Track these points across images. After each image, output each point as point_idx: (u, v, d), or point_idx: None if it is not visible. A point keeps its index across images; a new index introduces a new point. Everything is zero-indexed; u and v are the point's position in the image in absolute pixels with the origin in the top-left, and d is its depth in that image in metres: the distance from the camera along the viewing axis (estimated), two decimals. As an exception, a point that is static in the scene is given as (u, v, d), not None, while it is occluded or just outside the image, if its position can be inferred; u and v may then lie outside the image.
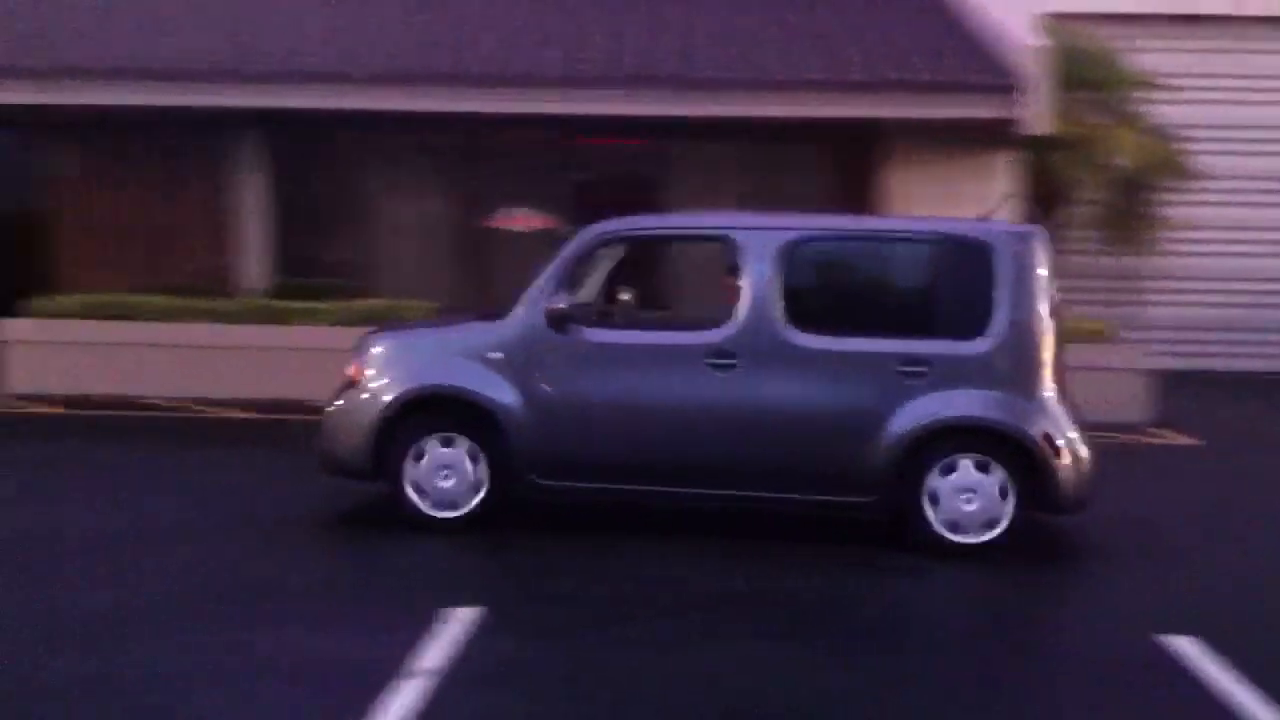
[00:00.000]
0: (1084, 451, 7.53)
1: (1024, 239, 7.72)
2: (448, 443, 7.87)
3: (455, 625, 6.08)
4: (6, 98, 13.90)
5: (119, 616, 6.18)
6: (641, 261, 9.35)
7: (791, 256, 7.72)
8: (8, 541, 7.70)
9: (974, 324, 7.56)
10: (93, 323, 13.53)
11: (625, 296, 8.84)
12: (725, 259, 7.92)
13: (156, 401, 13.14)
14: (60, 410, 12.80)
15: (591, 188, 15.51)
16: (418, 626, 6.02)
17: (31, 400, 13.12)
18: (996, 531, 7.53)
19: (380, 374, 7.96)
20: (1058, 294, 7.73)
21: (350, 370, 8.10)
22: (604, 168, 15.94)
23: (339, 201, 15.86)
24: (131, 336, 13.45)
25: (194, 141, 15.00)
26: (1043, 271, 7.61)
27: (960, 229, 7.86)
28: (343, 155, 15.85)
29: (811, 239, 7.84)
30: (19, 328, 13.47)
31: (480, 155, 15.75)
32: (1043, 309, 7.57)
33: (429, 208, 15.97)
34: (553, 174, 15.67)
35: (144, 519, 8.24)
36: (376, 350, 8.07)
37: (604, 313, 8.52)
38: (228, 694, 5.23)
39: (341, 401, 8.04)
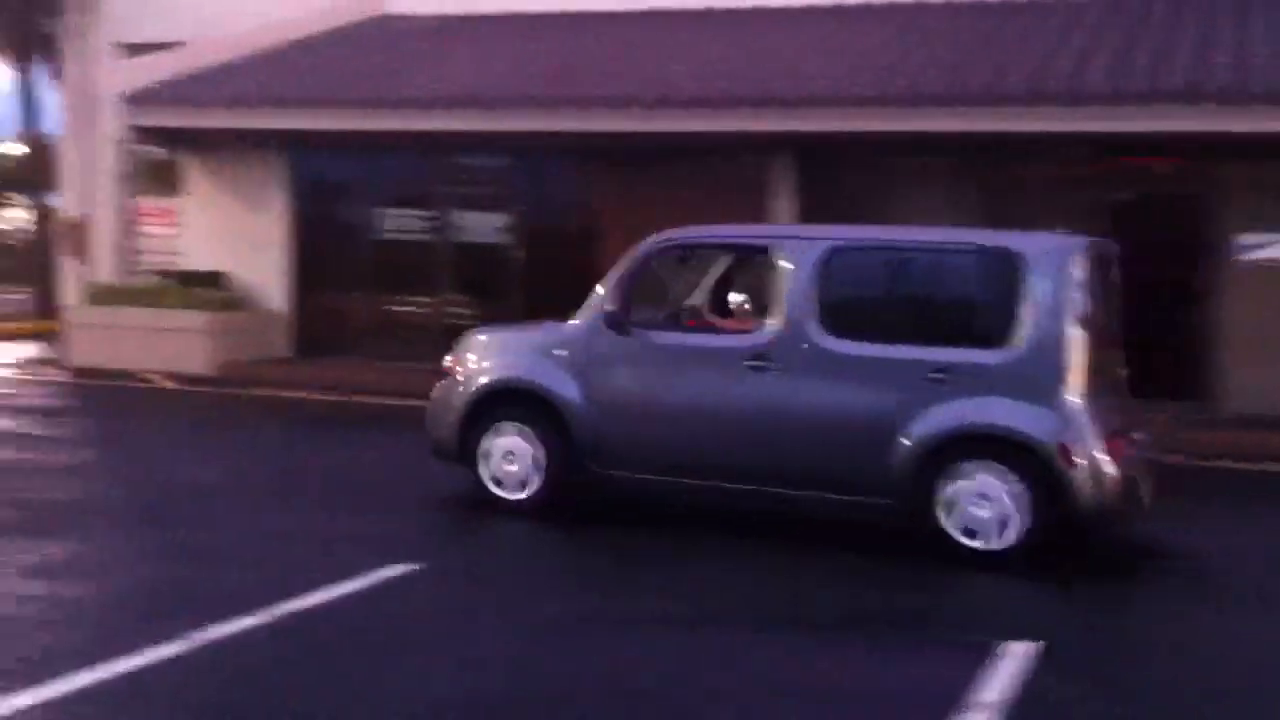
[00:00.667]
0: (1108, 466, 7.43)
1: (1058, 252, 7.81)
2: (519, 430, 8.63)
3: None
4: (560, 125, 15.15)
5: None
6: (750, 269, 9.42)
7: (823, 270, 8.08)
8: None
9: (1000, 333, 7.71)
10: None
11: (738, 299, 9.08)
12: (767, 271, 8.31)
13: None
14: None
15: (1130, 208, 14.82)
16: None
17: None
18: (1010, 541, 7.52)
19: (469, 367, 8.94)
20: (1101, 304, 7.87)
21: (448, 363, 9.09)
22: (1141, 187, 15.21)
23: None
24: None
25: (727, 166, 15.69)
26: (1076, 283, 7.63)
27: (992, 240, 8.16)
28: (869, 178, 16.04)
29: (843, 248, 8.20)
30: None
31: (1006, 176, 15.43)
32: (1070, 319, 7.57)
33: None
34: (1085, 194, 15.06)
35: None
36: (469, 347, 9.09)
37: (672, 315, 9.26)
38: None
39: (438, 392, 9.05)
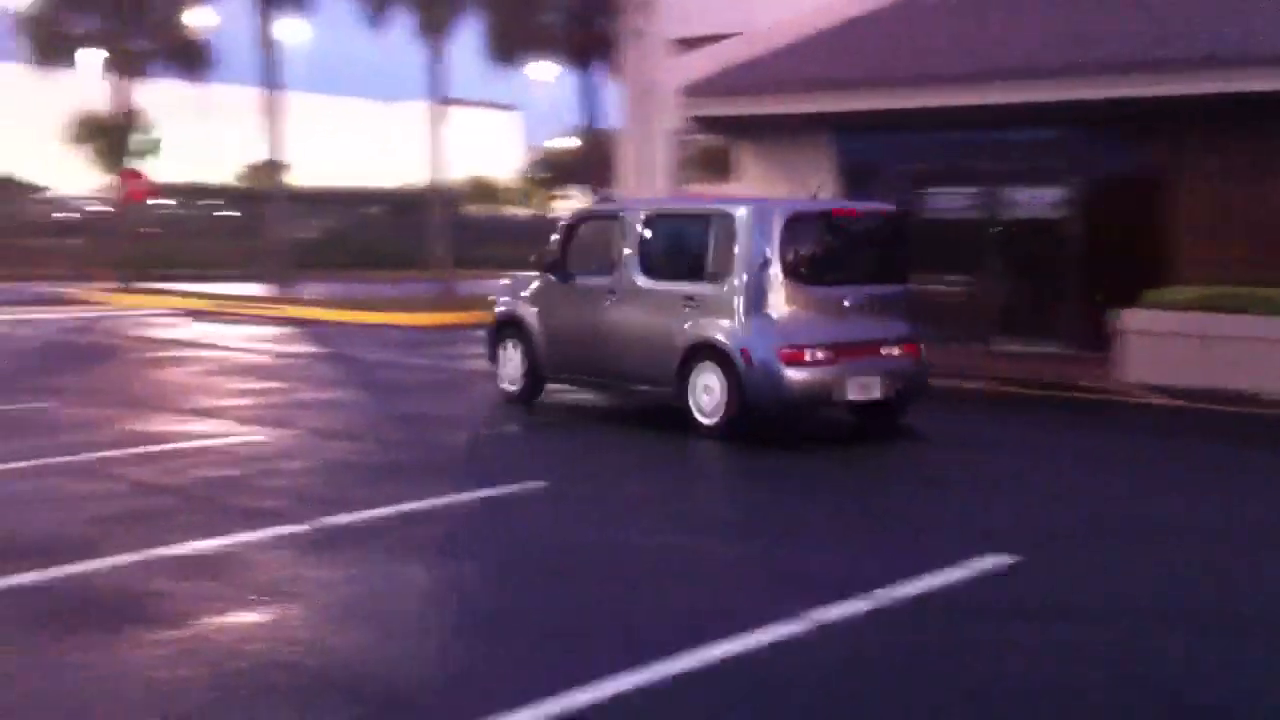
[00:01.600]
0: (783, 367, 10.36)
1: (761, 214, 10.75)
2: (514, 345, 12.62)
3: None
4: (1149, 91, 14.26)
5: None
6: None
7: (640, 231, 11.53)
8: (1154, 531, 7.92)
9: (723, 271, 10.78)
10: (1203, 315, 13.43)
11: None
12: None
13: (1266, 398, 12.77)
14: (1173, 402, 12.94)
15: None
16: None
17: (1148, 390, 13.40)
18: (718, 419, 10.62)
19: (498, 304, 13.12)
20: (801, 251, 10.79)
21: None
22: None
23: None
24: (1242, 330, 13.14)
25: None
26: (776, 238, 10.55)
27: (722, 205, 11.34)
28: None
29: (651, 215, 11.70)
30: (1138, 318, 13.83)
31: None
32: (764, 262, 10.52)
33: None
34: None
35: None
36: (499, 292, 13.41)
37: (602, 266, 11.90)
38: None
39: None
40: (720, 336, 10.58)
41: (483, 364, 13.62)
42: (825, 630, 5.71)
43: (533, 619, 5.89)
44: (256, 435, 10.81)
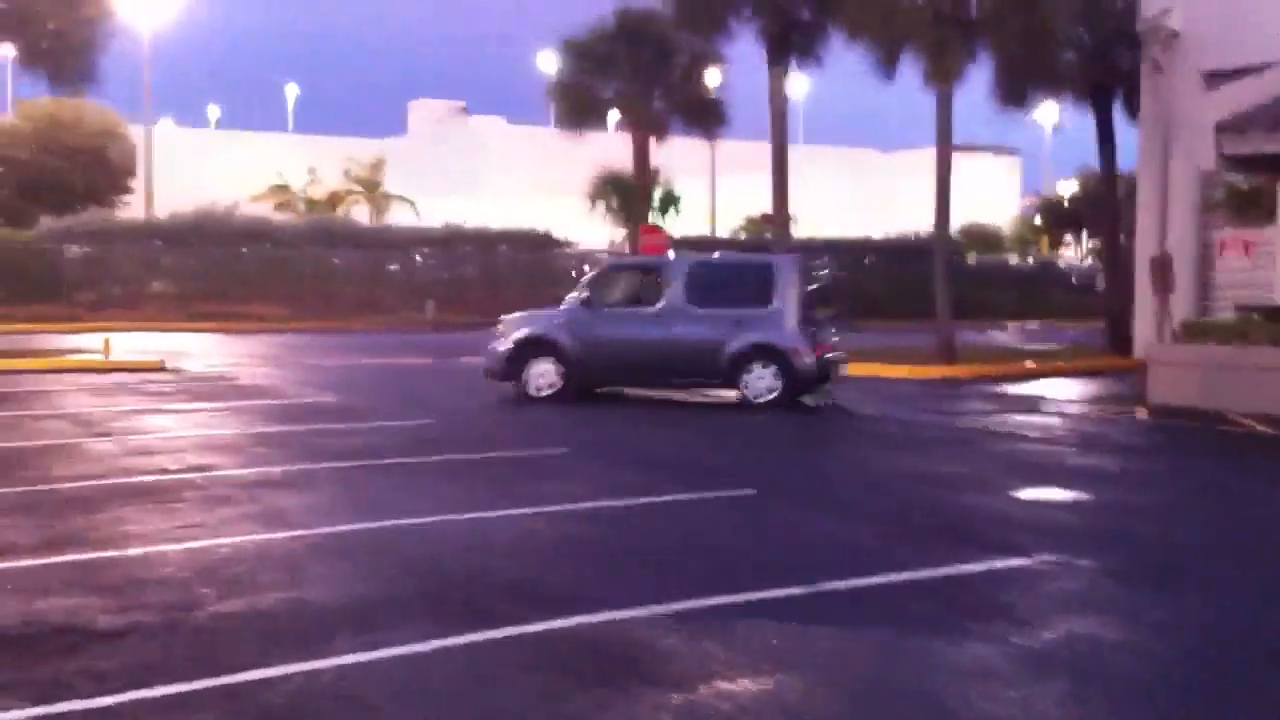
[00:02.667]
0: (811, 358, 16.33)
1: (787, 264, 17.14)
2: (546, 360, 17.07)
3: None
4: None
5: None
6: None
7: (687, 274, 17.00)
8: None
9: (766, 299, 16.65)
10: None
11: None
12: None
13: None
14: None
15: None
16: None
17: None
18: (774, 395, 16.47)
19: (510, 330, 17.41)
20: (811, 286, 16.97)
21: (498, 329, 17.79)
22: None
23: None
24: None
25: None
26: (794, 279, 16.70)
27: (763, 258, 19.60)
28: None
29: (697, 263, 17.76)
30: None
31: None
32: (791, 294, 16.58)
33: None
34: None
35: None
36: (508, 323, 17.64)
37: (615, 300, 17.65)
38: None
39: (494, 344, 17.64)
40: (771, 339, 16.39)
41: (985, 420, 12.90)
42: None
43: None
44: (746, 490, 10.70)
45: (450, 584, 7.33)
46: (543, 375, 16.94)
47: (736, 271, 17.85)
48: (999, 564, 8.03)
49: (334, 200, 56.23)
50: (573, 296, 17.49)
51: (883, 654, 6.20)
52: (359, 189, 57.70)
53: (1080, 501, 10.60)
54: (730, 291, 16.80)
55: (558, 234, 45.01)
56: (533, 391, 16.93)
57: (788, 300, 16.32)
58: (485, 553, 8.15)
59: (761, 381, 16.30)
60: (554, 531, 8.87)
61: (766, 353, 16.34)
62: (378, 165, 58.78)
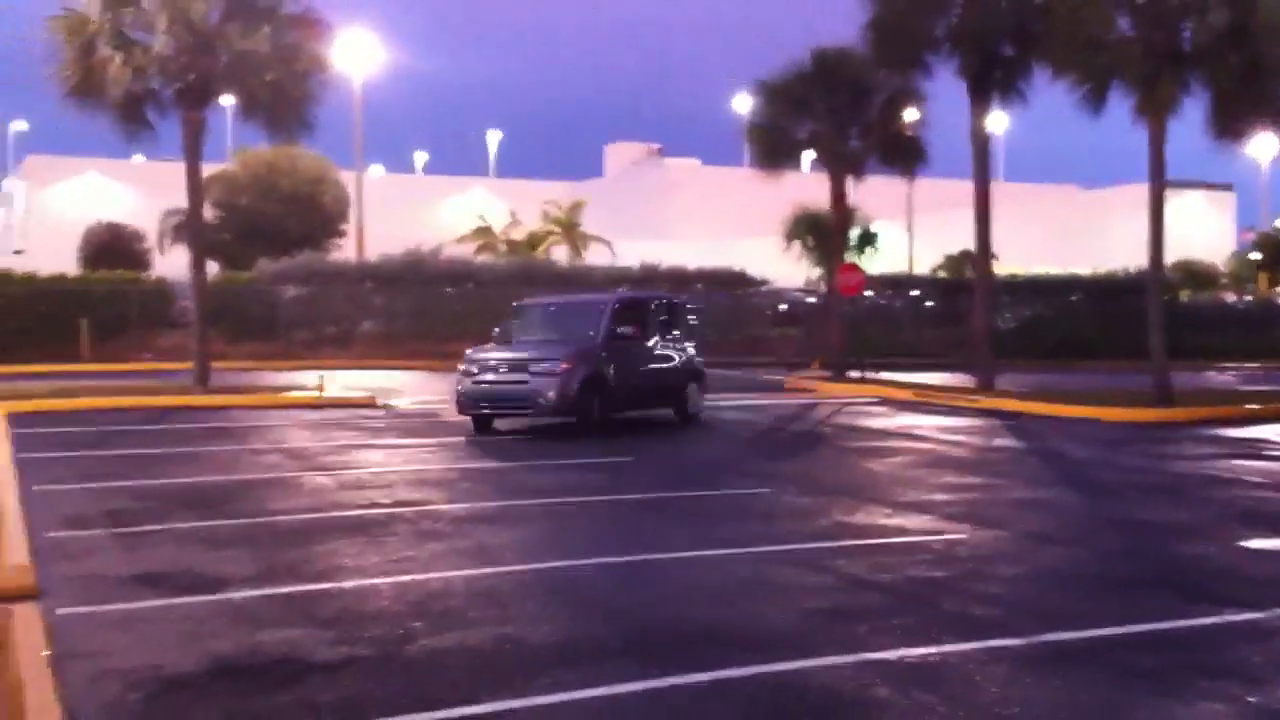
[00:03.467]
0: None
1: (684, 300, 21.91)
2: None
3: None
4: None
5: None
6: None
7: (614, 313, 18.93)
8: None
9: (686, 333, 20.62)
10: None
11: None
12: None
13: None
14: None
15: None
16: None
17: None
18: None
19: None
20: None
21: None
22: None
23: None
24: None
25: None
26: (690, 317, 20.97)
27: (665, 296, 22.26)
28: None
29: (622, 302, 19.67)
30: None
31: None
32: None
33: None
34: None
35: None
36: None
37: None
38: None
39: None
40: (696, 368, 20.58)
41: (1210, 468, 12.19)
42: None
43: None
44: (962, 533, 10.43)
45: (652, 625, 7.32)
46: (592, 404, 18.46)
47: (663, 308, 20.45)
48: (1233, 618, 7.60)
49: (533, 241, 57.44)
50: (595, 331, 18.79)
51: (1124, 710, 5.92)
52: (557, 230, 58.85)
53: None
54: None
55: (753, 273, 44.98)
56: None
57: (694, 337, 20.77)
58: (689, 592, 8.12)
59: (696, 402, 20.33)
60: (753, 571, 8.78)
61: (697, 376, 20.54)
62: (576, 207, 59.86)
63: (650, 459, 15.60)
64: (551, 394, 17.28)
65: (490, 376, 17.79)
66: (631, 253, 51.14)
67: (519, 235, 58.34)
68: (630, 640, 6.99)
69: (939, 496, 12.55)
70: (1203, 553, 9.85)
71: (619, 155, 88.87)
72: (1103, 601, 8.07)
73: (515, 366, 17.71)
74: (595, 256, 57.11)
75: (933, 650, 6.79)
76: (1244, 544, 10.24)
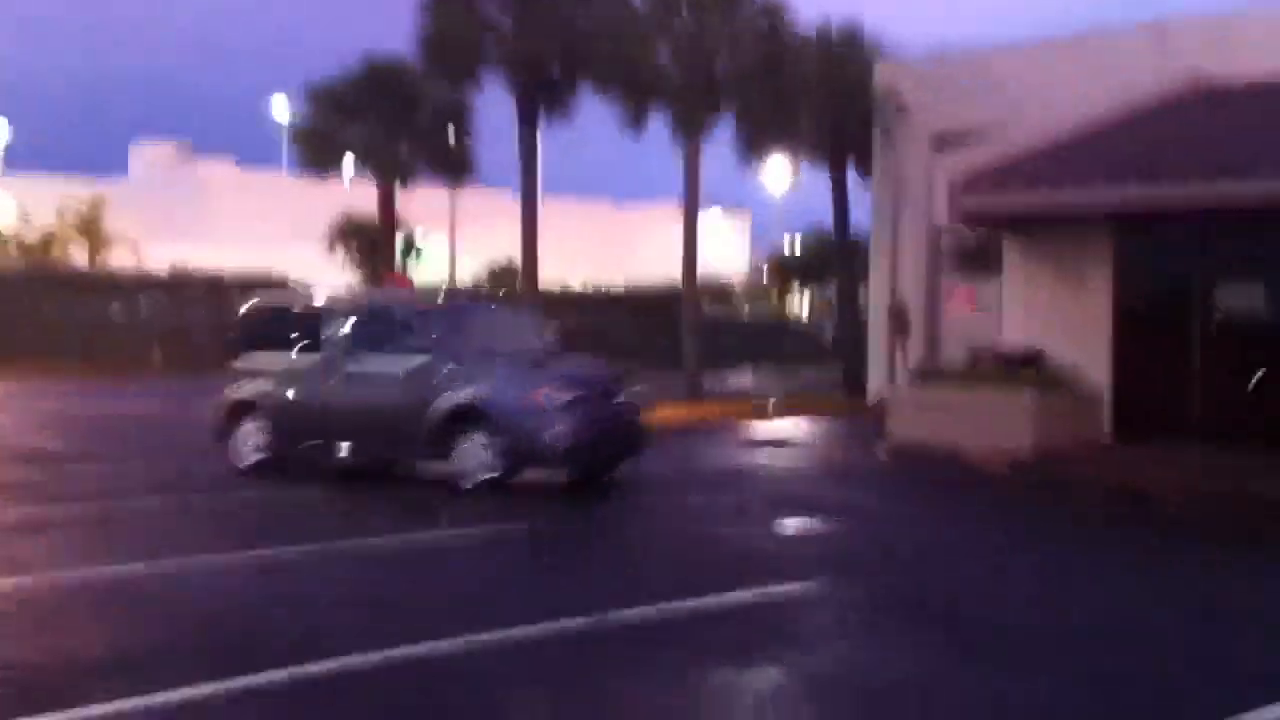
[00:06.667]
0: None
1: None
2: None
3: None
4: None
5: None
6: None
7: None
8: None
9: None
10: None
11: None
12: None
13: None
14: None
15: None
16: None
17: None
18: None
19: None
20: None
21: None
22: None
23: None
24: None
25: None
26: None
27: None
28: None
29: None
30: None
31: None
32: None
33: None
34: None
35: None
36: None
37: None
38: None
39: None
40: None
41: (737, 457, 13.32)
42: None
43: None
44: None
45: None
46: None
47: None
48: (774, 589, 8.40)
49: (47, 243, 53.16)
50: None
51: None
52: (75, 230, 54.75)
53: (833, 529, 11.18)
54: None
55: (295, 280, 43.94)
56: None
57: None
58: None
59: None
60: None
61: None
62: (97, 205, 55.95)
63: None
64: None
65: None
66: (163, 256, 48.50)
67: (31, 236, 53.82)
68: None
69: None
70: (743, 534, 10.83)
71: (146, 153, 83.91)
72: (663, 577, 8.68)
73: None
74: (123, 259, 53.70)
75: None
76: (777, 526, 11.40)
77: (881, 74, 24.39)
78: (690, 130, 23.22)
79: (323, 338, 13.88)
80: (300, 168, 32.79)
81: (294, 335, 14.17)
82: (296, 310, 14.85)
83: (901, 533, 11.49)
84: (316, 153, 31.88)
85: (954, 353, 20.68)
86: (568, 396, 12.70)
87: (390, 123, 30.90)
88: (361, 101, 30.85)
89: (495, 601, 8.17)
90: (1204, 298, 16.62)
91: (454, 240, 57.05)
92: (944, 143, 20.95)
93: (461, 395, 12.79)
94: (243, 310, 15.45)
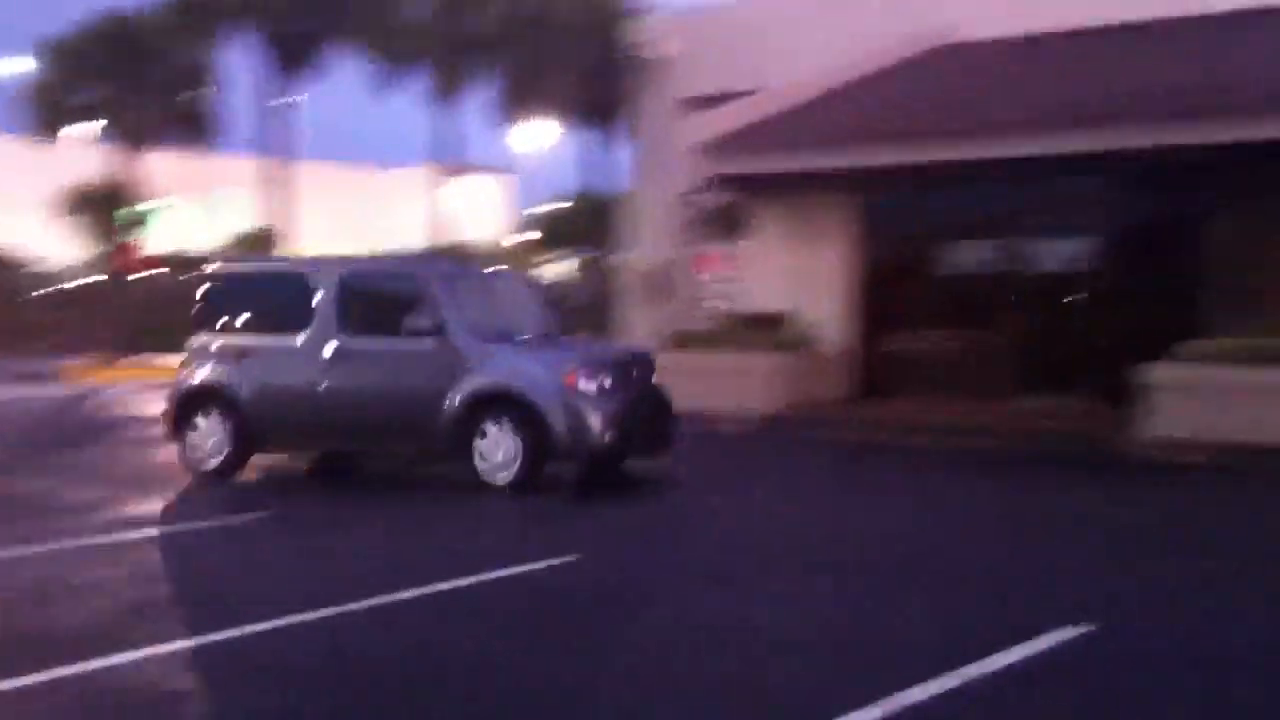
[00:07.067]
0: None
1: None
2: None
3: None
4: (1182, 138, 14.01)
5: None
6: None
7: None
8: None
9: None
10: (1243, 369, 13.12)
11: None
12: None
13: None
14: (1203, 459, 12.69)
15: None
16: None
17: (1175, 447, 13.07)
18: None
19: None
20: None
21: None
22: None
23: None
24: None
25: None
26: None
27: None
28: None
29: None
30: (1164, 372, 13.50)
31: None
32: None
33: None
34: None
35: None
36: None
37: None
38: None
39: None
40: None
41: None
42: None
43: None
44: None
45: None
46: None
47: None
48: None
49: None
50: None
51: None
52: None
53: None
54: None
55: (22, 253, 41.22)
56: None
57: None
58: None
59: None
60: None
61: None
62: None
63: None
64: None
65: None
66: None
67: None
68: None
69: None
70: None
71: None
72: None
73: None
74: None
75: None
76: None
77: (636, 31, 24.33)
78: (444, 91, 22.88)
79: (312, 307, 11.34)
80: (32, 130, 30.88)
81: (268, 306, 11.78)
82: (272, 274, 12.69)
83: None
84: (50, 114, 30.07)
85: (706, 318, 20.97)
86: (607, 380, 10.83)
87: (131, 82, 29.36)
88: (97, 58, 29.21)
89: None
90: (940, 255, 17.39)
91: (205, 208, 54.81)
92: (698, 105, 21.14)
93: (486, 379, 10.70)
94: (206, 273, 12.68)
